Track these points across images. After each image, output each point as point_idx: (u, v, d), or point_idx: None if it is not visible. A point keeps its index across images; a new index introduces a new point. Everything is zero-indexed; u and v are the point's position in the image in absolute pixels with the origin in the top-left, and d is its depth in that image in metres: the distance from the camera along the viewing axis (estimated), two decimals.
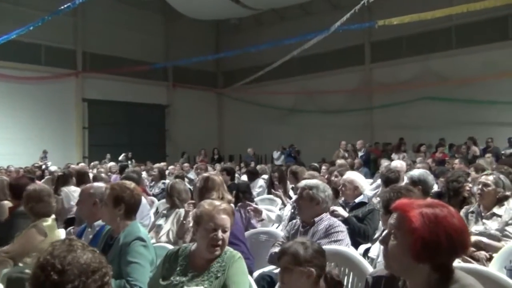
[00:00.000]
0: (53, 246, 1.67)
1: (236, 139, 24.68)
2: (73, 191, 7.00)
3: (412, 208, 1.75)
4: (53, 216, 4.27)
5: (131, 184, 3.37)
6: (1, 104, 19.28)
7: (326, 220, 3.72)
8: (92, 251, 1.68)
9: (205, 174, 4.47)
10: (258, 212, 5.11)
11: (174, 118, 24.98)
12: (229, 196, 4.33)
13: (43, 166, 16.28)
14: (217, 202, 2.83)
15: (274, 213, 5.96)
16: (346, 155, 14.14)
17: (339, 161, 10.75)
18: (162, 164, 14.00)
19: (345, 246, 3.52)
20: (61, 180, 7.42)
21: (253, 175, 9.10)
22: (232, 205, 3.76)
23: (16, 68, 19.47)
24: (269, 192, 7.36)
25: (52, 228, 4.15)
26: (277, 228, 5.26)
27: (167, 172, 11.08)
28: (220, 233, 2.70)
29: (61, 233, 4.35)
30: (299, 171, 7.24)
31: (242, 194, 5.58)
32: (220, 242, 2.70)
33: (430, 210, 1.74)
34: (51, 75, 20.70)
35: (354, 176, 5.18)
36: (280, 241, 3.71)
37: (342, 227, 3.69)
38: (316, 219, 3.71)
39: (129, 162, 17.88)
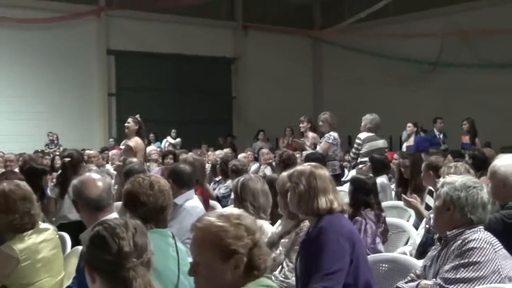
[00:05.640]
0: None
1: (342, 111, 23.03)
2: None
3: None
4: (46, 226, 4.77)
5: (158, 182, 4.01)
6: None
7: (467, 234, 3.87)
8: None
9: (300, 168, 4.45)
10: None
11: (245, 79, 24.93)
12: (342, 201, 4.39)
13: (56, 153, 16.78)
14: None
15: (403, 232, 6.24)
16: None
17: None
18: (226, 150, 14.40)
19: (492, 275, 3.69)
20: (70, 168, 7.98)
21: (377, 169, 9.04)
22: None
23: (9, 5, 19.77)
24: (398, 197, 7.72)
25: (40, 249, 4.56)
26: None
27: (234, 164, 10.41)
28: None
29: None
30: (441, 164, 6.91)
31: (366, 198, 5.92)
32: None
33: None
34: (61, 15, 20.88)
35: None
36: (414, 273, 4.08)
37: (486, 242, 3.76)
38: (450, 233, 3.92)
39: (172, 144, 18.87)
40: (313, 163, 4.56)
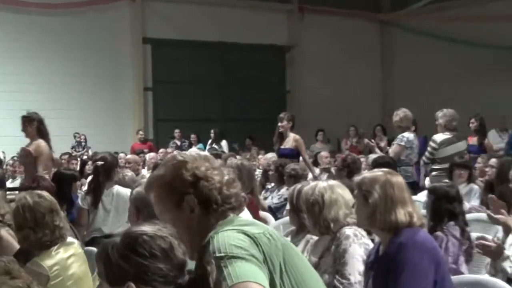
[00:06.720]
0: None
1: (416, 107, 23.15)
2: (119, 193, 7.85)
3: None
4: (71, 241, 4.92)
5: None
6: (15, 53, 19.79)
7: None
8: None
9: (372, 175, 4.43)
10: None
11: (301, 70, 24.47)
12: (420, 213, 4.37)
13: (84, 156, 17.14)
14: None
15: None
16: None
17: None
18: None
19: None
20: (103, 173, 8.05)
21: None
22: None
23: None
24: (485, 205, 7.72)
25: (69, 265, 4.73)
26: None
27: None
28: None
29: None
30: None
31: (450, 207, 6.03)
32: None
33: None
34: None
35: None
36: None
37: None
38: None
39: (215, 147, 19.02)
40: (385, 169, 4.44)
